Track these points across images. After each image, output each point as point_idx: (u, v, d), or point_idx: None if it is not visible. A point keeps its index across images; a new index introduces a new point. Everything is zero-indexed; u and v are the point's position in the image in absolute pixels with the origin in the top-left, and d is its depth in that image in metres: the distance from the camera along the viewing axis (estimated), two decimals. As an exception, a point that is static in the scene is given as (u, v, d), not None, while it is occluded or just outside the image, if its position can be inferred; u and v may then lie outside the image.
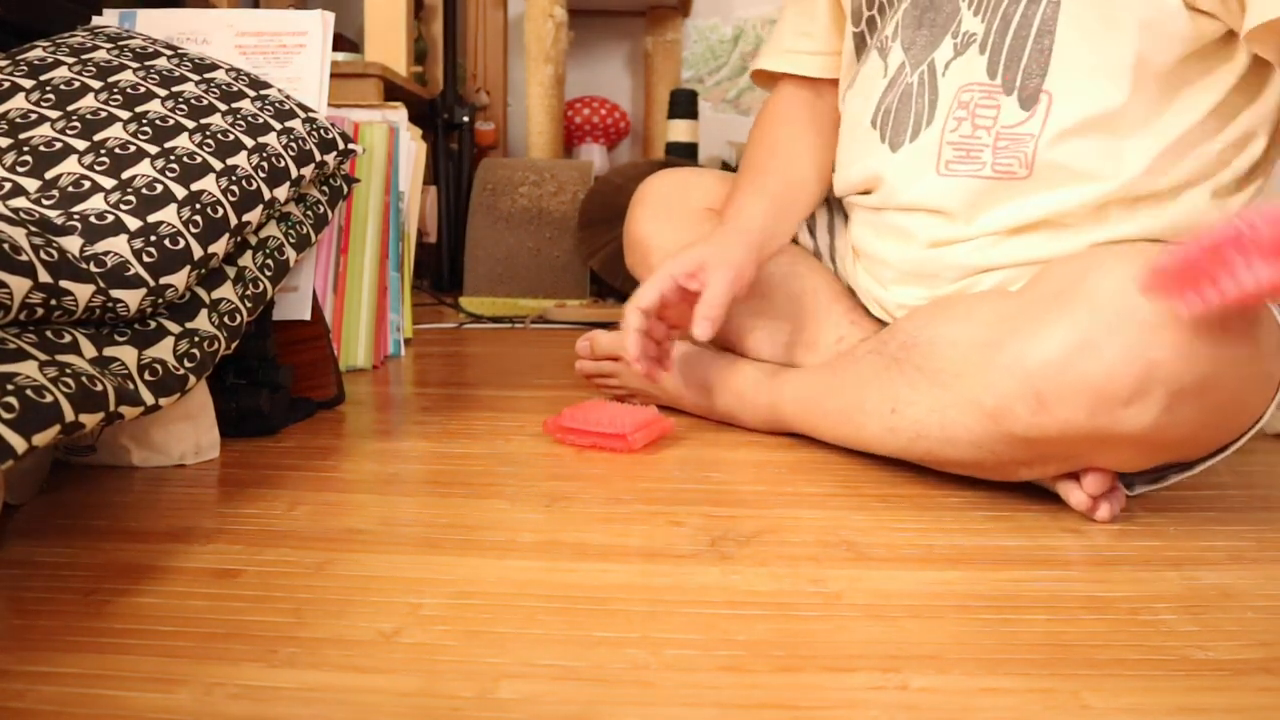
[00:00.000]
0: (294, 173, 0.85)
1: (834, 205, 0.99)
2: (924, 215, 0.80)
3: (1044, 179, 0.74)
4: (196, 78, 0.85)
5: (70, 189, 0.70)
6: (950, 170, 0.77)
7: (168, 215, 0.71)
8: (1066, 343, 0.59)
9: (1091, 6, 0.70)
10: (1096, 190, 0.73)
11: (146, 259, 0.68)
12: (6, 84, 0.79)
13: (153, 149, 0.75)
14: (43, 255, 0.58)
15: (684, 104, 2.23)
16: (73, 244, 0.65)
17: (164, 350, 0.68)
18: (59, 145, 0.74)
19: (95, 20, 1.01)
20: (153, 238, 0.69)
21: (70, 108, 0.77)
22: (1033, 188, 0.74)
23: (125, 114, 0.78)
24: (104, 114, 0.77)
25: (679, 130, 2.22)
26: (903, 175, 0.81)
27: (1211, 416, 0.62)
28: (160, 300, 0.69)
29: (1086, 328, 0.59)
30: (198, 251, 0.72)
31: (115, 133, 0.76)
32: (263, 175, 0.80)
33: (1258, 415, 0.66)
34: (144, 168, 0.73)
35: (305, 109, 0.91)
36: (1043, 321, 0.61)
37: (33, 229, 0.61)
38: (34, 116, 0.76)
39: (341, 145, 0.92)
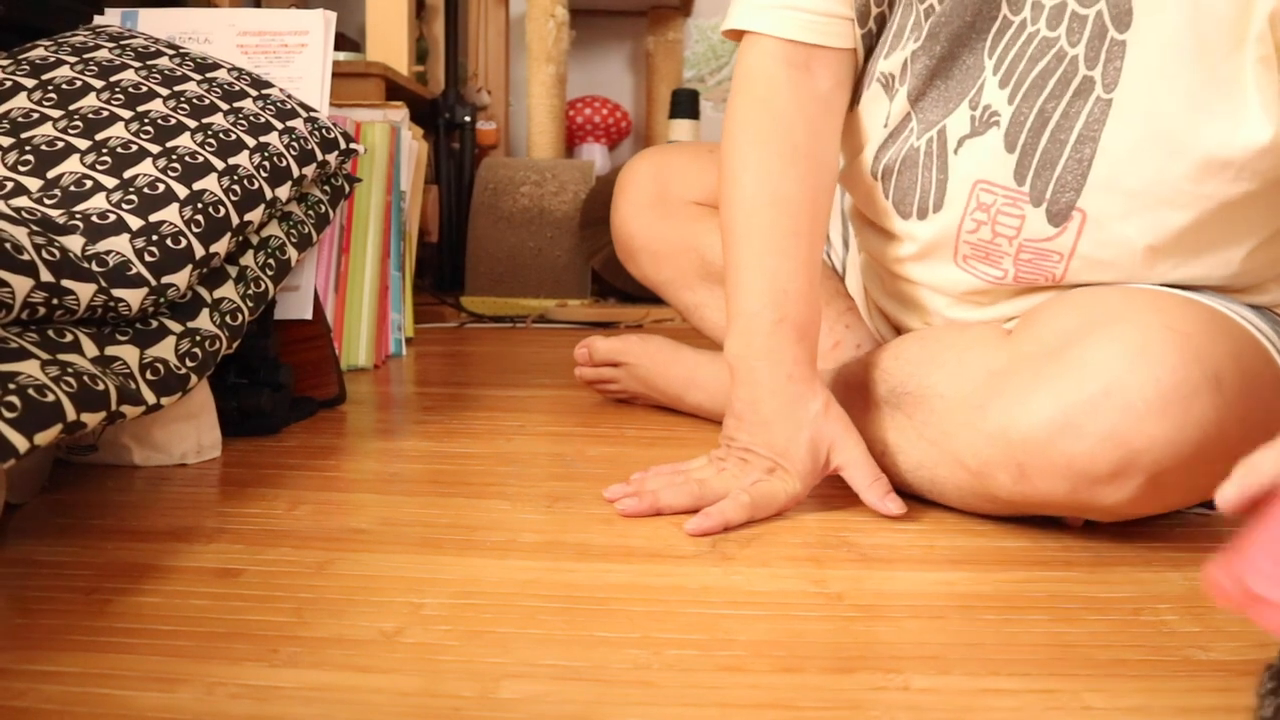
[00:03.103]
0: (296, 172, 0.85)
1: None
2: (939, 295, 0.75)
3: (1074, 283, 0.67)
4: (198, 77, 0.85)
5: (72, 188, 0.70)
6: (969, 265, 0.70)
7: (169, 214, 0.71)
8: (1051, 418, 0.57)
9: (1151, 118, 0.61)
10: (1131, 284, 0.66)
11: (148, 258, 0.68)
12: (9, 83, 0.79)
13: (154, 148, 0.75)
14: (45, 254, 0.58)
15: (686, 104, 2.23)
16: (74, 243, 0.65)
17: (166, 349, 0.68)
18: (61, 144, 0.74)
19: (97, 19, 1.01)
20: (154, 237, 0.69)
21: (72, 107, 0.77)
22: (1062, 287, 0.68)
23: (127, 113, 0.78)
24: (106, 113, 0.77)
25: (680, 130, 2.22)
26: (915, 248, 0.73)
27: (1198, 490, 0.60)
28: (162, 299, 0.69)
29: (1071, 404, 0.56)
30: (199, 251, 0.72)
31: (117, 132, 0.76)
32: (264, 174, 0.81)
33: None
34: (146, 167, 0.73)
35: (307, 108, 0.91)
36: (1030, 388, 0.58)
37: (34, 228, 0.61)
38: (36, 116, 0.76)
39: (343, 145, 0.92)
